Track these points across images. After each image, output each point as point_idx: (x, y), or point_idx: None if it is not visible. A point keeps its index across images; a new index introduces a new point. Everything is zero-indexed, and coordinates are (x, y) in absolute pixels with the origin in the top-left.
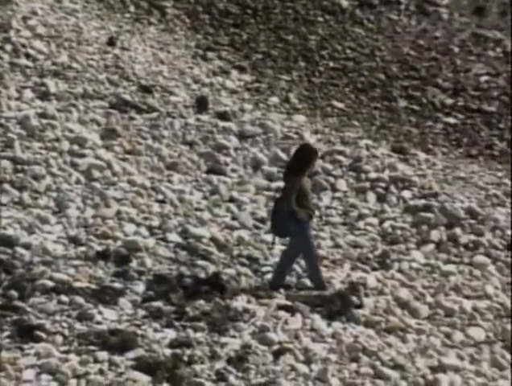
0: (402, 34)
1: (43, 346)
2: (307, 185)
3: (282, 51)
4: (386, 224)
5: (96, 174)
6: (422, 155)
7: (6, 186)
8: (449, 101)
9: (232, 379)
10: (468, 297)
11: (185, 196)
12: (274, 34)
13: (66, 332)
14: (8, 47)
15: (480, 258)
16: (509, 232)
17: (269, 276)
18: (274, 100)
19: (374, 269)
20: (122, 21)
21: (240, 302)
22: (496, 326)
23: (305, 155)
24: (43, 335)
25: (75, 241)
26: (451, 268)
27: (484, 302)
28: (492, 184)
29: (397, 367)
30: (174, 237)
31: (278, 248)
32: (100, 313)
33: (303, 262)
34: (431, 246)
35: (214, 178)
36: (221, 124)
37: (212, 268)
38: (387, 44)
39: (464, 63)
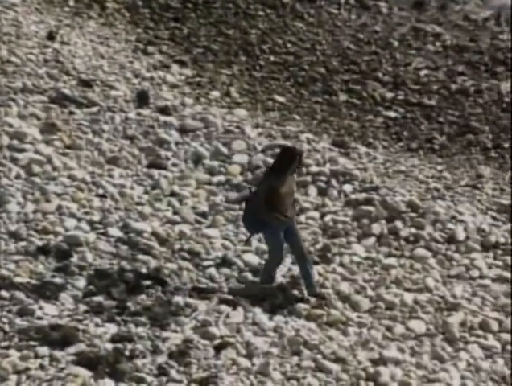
0: (342, 28)
1: None
2: (287, 189)
3: (223, 45)
4: (327, 218)
5: (36, 168)
6: (363, 149)
7: None
8: (389, 95)
9: (173, 373)
10: (408, 290)
11: (126, 191)
12: (215, 29)
13: (6, 327)
14: None
15: (420, 251)
16: (449, 225)
17: (211, 270)
18: (215, 94)
19: (315, 263)
20: (62, 15)
21: (181, 297)
22: (436, 318)
23: (286, 157)
24: None
25: (15, 236)
26: (392, 261)
27: (424, 295)
28: (432, 177)
29: (338, 360)
30: (115, 232)
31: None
32: (40, 308)
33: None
34: (372, 239)
35: (155, 172)
36: (162, 118)
37: (153, 263)
38: (327, 38)
39: (404, 57)
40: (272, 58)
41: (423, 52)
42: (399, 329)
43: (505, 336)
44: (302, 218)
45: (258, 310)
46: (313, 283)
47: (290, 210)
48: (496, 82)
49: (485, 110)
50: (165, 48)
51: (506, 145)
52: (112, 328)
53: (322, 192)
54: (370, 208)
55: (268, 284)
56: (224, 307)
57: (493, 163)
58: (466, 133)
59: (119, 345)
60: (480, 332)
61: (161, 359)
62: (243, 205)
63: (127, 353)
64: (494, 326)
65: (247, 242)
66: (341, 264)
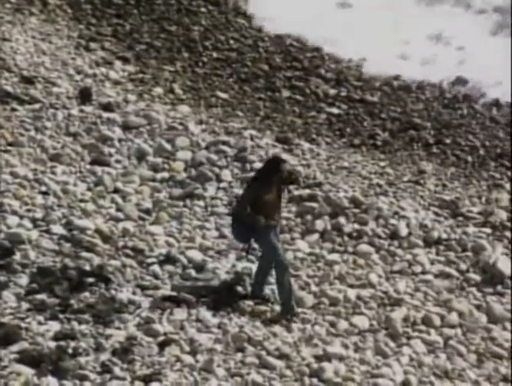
0: None
1: None
2: (272, 197)
3: (166, 41)
4: None
5: None
6: (306, 145)
7: None
8: (332, 92)
9: (117, 370)
10: (352, 286)
11: (69, 187)
12: (158, 25)
13: None
14: None
15: (363, 247)
16: (392, 221)
17: (155, 267)
18: (158, 90)
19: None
20: (3, 11)
21: (125, 294)
22: (379, 314)
23: (270, 166)
24: None
25: None
26: (335, 257)
27: (368, 291)
28: (375, 173)
29: (282, 356)
30: (58, 229)
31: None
32: None
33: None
34: (316, 235)
35: (98, 169)
36: (105, 115)
37: (96, 260)
38: (270, 35)
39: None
40: (215, 54)
41: None
42: (343, 325)
43: (448, 331)
44: None
45: (202, 308)
46: (263, 289)
47: (275, 217)
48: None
49: (427, 106)
50: (107, 45)
51: (448, 141)
52: (55, 326)
53: None
54: (314, 204)
55: (256, 295)
56: (167, 304)
57: (435, 159)
58: (408, 130)
59: (62, 343)
60: (422, 327)
61: (104, 357)
62: (230, 219)
63: (70, 351)
64: (437, 321)
65: (247, 254)
66: None
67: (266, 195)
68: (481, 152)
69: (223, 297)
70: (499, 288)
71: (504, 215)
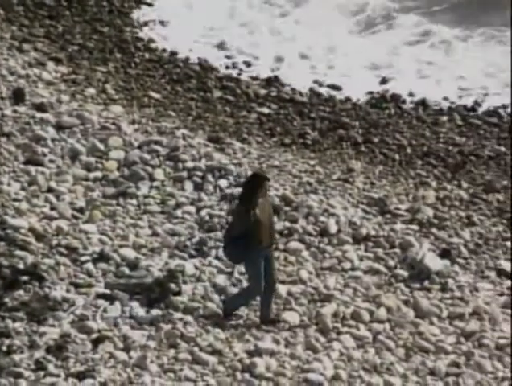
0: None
1: None
2: (265, 215)
3: (98, 42)
4: (203, 212)
5: None
6: (237, 144)
7: None
8: (263, 92)
9: (51, 367)
10: (283, 283)
11: (3, 187)
12: (90, 26)
13: None
14: None
15: (294, 244)
16: (321, 218)
17: (88, 265)
18: (91, 91)
19: (192, 257)
20: None
21: (59, 292)
22: (310, 310)
23: (253, 183)
24: None
25: None
26: None
27: (298, 287)
28: (305, 172)
29: (215, 352)
30: None
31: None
32: None
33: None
34: None
35: (32, 168)
36: (38, 115)
37: (30, 259)
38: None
39: None
40: (147, 55)
41: None
42: None
43: (376, 326)
44: (178, 212)
45: (135, 304)
46: (269, 312)
47: (269, 237)
48: None
49: (355, 106)
50: (40, 46)
51: (376, 139)
52: None
53: (198, 187)
54: None
55: (232, 311)
56: (101, 301)
57: (363, 158)
58: (337, 129)
59: None
60: (352, 322)
61: (39, 354)
62: (224, 236)
63: (4, 348)
64: (366, 316)
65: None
66: (217, 258)
67: (260, 215)
68: (408, 150)
69: (156, 295)
70: (426, 283)
71: (430, 212)
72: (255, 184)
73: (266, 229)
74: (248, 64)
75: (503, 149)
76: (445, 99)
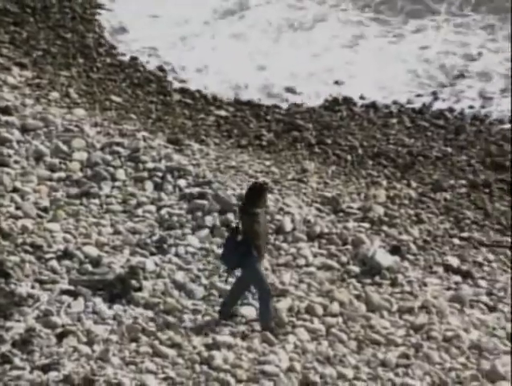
0: None
1: None
2: (264, 225)
3: (62, 48)
4: (163, 211)
5: None
6: (196, 146)
7: None
8: (220, 95)
9: (17, 361)
10: None
11: None
12: (53, 32)
13: None
14: None
15: None
16: (277, 217)
17: (53, 262)
18: (55, 95)
19: (152, 254)
20: None
21: (24, 288)
22: None
23: (254, 193)
24: None
25: None
26: None
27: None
28: (261, 172)
29: (174, 345)
30: None
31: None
32: None
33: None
34: (206, 231)
35: None
36: (4, 118)
37: None
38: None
39: None
40: (109, 60)
41: None
42: None
43: (330, 320)
44: (139, 211)
45: (98, 300)
46: (269, 317)
47: (265, 246)
48: None
49: (309, 109)
50: (5, 51)
51: (329, 141)
52: None
53: (158, 187)
54: (204, 202)
55: (265, 325)
56: (65, 297)
57: (317, 158)
58: (292, 131)
59: None
60: (306, 316)
61: (4, 348)
62: (224, 243)
63: None
64: (319, 310)
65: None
66: (177, 255)
67: (260, 224)
68: (360, 151)
69: (118, 291)
70: (377, 278)
71: (381, 210)
72: (256, 194)
73: (263, 239)
74: (205, 69)
75: (450, 150)
76: (394, 103)
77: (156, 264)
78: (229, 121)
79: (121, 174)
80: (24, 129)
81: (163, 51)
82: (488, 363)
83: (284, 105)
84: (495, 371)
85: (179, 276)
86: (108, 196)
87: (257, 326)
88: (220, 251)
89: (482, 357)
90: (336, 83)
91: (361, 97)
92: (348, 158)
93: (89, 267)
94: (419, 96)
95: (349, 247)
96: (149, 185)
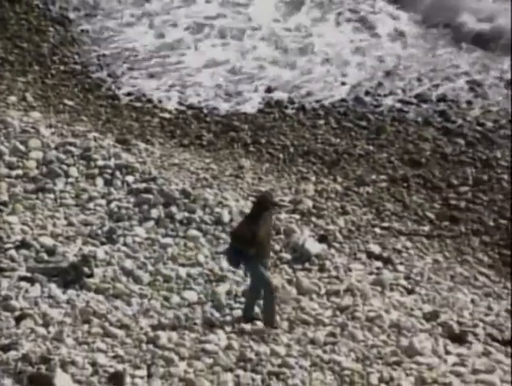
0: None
1: None
2: (265, 231)
3: (19, 56)
4: (113, 205)
5: None
6: (142, 145)
7: None
8: (164, 98)
9: None
10: (183, 265)
11: None
12: (11, 42)
13: None
14: None
15: (192, 232)
16: (216, 209)
17: (11, 252)
18: (13, 99)
19: (103, 244)
20: None
21: None
22: (206, 289)
23: (259, 204)
24: None
25: None
26: (168, 240)
27: (196, 269)
28: (201, 169)
29: (123, 326)
30: None
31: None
32: None
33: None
34: (152, 222)
35: None
36: None
37: None
38: (111, 48)
39: None
40: (62, 67)
41: None
42: (175, 299)
43: None
44: (91, 205)
45: (53, 286)
46: (272, 313)
47: (267, 248)
48: None
49: (246, 112)
50: None
51: (263, 140)
52: None
53: (108, 182)
54: (149, 196)
55: (269, 324)
56: (23, 283)
57: (252, 156)
58: (229, 131)
59: None
60: (243, 299)
61: None
62: (228, 243)
63: None
64: None
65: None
66: (125, 244)
67: (262, 231)
68: (291, 150)
69: (71, 277)
70: (307, 265)
71: (310, 203)
72: (262, 207)
73: (264, 245)
74: (151, 75)
75: (371, 148)
76: (322, 106)
77: (106, 253)
78: (172, 122)
79: (73, 171)
80: None
81: (111, 59)
82: (406, 341)
83: (222, 108)
84: (412, 348)
85: (127, 263)
86: (62, 191)
87: (198, 309)
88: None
89: (401, 335)
90: (269, 90)
91: (291, 101)
92: (280, 156)
93: (45, 256)
94: (343, 100)
95: (282, 236)
96: (99, 181)
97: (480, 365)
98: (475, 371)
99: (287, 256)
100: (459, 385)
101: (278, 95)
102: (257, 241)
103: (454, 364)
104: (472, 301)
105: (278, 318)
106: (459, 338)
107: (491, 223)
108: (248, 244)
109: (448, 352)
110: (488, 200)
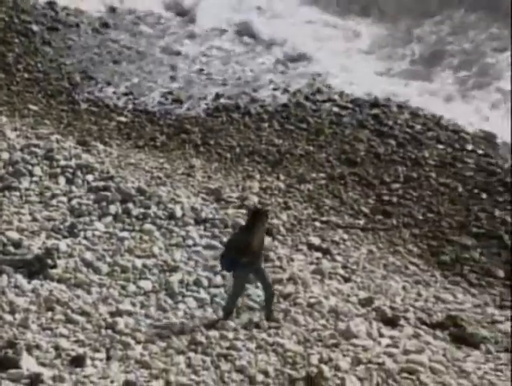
0: (82, 49)
1: None
2: (258, 241)
3: None
4: (74, 202)
5: None
6: (100, 146)
7: None
8: (121, 104)
9: None
10: (139, 257)
11: None
12: None
13: None
14: None
15: (148, 226)
16: (169, 205)
17: None
18: None
19: (65, 237)
20: None
21: None
22: (160, 278)
23: (254, 217)
24: None
25: None
26: (125, 234)
27: (151, 260)
28: (155, 168)
29: (84, 313)
30: None
31: None
32: None
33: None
34: (110, 218)
35: None
36: None
37: None
38: (71, 58)
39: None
40: (26, 75)
41: None
42: (132, 287)
43: (213, 290)
44: (54, 202)
45: (19, 276)
46: (270, 312)
47: (259, 255)
48: None
49: (196, 116)
50: None
51: (212, 142)
52: None
53: (69, 181)
54: (108, 193)
55: (225, 316)
56: None
57: (202, 156)
58: (181, 133)
59: None
60: (194, 287)
61: None
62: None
63: None
64: (205, 282)
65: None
66: (85, 238)
67: (254, 241)
68: (237, 150)
69: (36, 268)
70: None
71: (255, 199)
72: (256, 220)
73: (255, 252)
74: (108, 83)
75: (311, 148)
76: (266, 111)
77: (68, 246)
78: (128, 125)
79: (38, 170)
80: None
81: (71, 68)
82: (343, 324)
83: (174, 112)
84: (349, 331)
85: (88, 255)
86: (27, 189)
87: (153, 297)
88: None
89: (339, 319)
90: (217, 96)
91: (237, 106)
92: (228, 156)
93: (12, 249)
94: (285, 105)
95: (229, 230)
96: (61, 180)
97: (410, 346)
98: (406, 352)
99: None
100: (391, 365)
101: (226, 101)
102: (250, 251)
103: (387, 346)
104: (404, 288)
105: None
106: (391, 322)
107: (420, 217)
108: (242, 253)
109: (381, 335)
110: (417, 196)
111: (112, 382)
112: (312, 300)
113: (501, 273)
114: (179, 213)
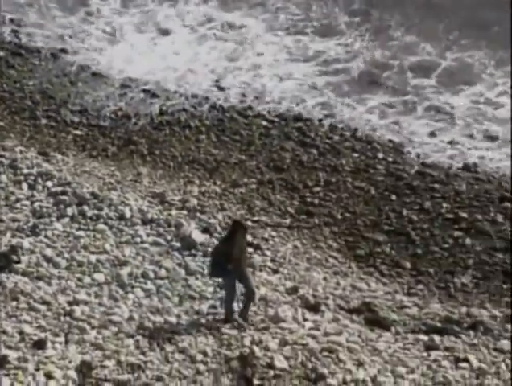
0: (42, 72)
1: None
2: (239, 250)
3: None
4: (36, 205)
5: None
6: (59, 156)
7: None
8: (76, 119)
9: None
10: (93, 253)
11: None
12: None
13: None
14: None
15: (100, 226)
16: (120, 207)
17: None
18: None
19: (28, 236)
20: None
21: None
22: (112, 271)
23: (233, 228)
24: None
25: None
26: (81, 233)
27: (104, 256)
28: (107, 175)
29: (45, 302)
30: None
31: None
32: None
33: None
34: (67, 219)
35: None
36: None
37: None
38: (32, 79)
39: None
40: None
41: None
42: (87, 280)
43: (159, 281)
44: (18, 205)
45: None
46: (246, 313)
47: (243, 263)
48: None
49: (142, 128)
50: None
51: (157, 152)
52: None
53: (31, 187)
54: (65, 197)
55: (232, 315)
56: None
57: (148, 165)
58: (129, 145)
59: None
60: (142, 279)
61: None
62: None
63: None
64: (151, 275)
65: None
66: (46, 236)
67: (235, 250)
68: (179, 159)
69: (2, 263)
70: (193, 251)
71: (195, 201)
72: (235, 231)
73: (237, 259)
74: (65, 102)
75: (244, 157)
76: (204, 125)
77: (30, 244)
78: (83, 138)
79: (3, 178)
80: None
81: (34, 87)
82: (272, 310)
83: (122, 126)
84: (277, 316)
85: (48, 252)
86: None
87: (105, 287)
88: None
89: (268, 306)
90: (161, 113)
91: (179, 121)
92: (171, 164)
93: None
94: (220, 120)
95: (173, 228)
96: (24, 186)
97: (330, 329)
98: (326, 334)
99: (177, 244)
100: (314, 345)
101: (169, 116)
102: (232, 258)
103: (310, 329)
104: (324, 278)
105: (170, 293)
106: (314, 308)
107: (339, 217)
108: (225, 261)
109: (305, 319)
110: (336, 198)
111: (70, 362)
112: None
113: (408, 265)
114: (128, 214)
